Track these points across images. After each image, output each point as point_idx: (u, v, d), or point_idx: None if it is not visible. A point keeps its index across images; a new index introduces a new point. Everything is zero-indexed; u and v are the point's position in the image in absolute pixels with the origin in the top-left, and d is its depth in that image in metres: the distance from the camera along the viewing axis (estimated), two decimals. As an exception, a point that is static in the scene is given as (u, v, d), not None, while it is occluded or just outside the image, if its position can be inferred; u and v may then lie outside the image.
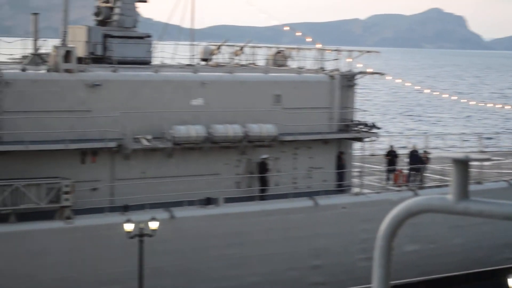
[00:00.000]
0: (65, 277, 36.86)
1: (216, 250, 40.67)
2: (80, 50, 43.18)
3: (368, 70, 48.26)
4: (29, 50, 43.25)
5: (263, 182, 43.19)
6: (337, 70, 47.38)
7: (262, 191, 43.07)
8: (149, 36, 46.71)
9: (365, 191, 46.08)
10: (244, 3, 59.24)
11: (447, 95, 74.80)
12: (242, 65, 49.80)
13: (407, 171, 48.62)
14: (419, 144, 55.30)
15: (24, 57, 43.75)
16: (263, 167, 43.17)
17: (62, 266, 36.79)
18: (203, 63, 50.08)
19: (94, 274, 37.44)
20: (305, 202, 43.37)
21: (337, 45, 59.45)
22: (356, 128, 46.34)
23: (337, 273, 44.16)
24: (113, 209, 38.48)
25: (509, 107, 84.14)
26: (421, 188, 47.10)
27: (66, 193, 36.64)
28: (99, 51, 44.87)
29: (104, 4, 46.76)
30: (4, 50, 46.31)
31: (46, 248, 36.45)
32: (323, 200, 43.71)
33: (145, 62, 45.55)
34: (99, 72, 40.26)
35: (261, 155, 43.05)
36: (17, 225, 35.97)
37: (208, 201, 40.88)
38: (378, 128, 47.51)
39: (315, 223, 43.36)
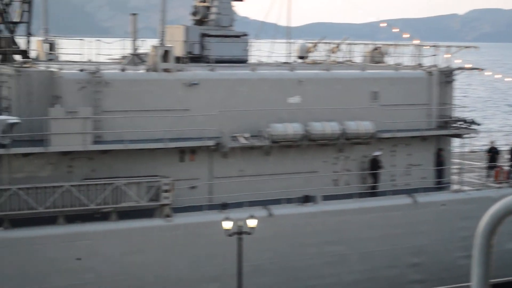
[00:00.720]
0: (165, 274, 37.32)
1: (314, 248, 40.70)
2: (178, 50, 43.67)
3: (467, 65, 47.69)
4: (128, 51, 43.88)
5: (375, 179, 43.20)
6: (435, 66, 46.95)
7: (373, 188, 43.09)
8: (245, 35, 46.94)
9: (465, 188, 45.60)
10: (341, 0, 58.97)
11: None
12: (339, 62, 49.72)
13: (508, 168, 47.93)
14: (520, 140, 54.39)
15: (123, 57, 44.43)
16: (375, 164, 43.14)
17: (162, 263, 37.26)
18: (299, 61, 50.14)
19: (193, 272, 37.81)
20: (404, 200, 43.15)
21: (435, 41, 58.86)
22: (455, 125, 45.86)
23: (437, 271, 43.81)
24: (211, 207, 38.81)
25: None
26: (523, 185, 46.38)
27: (166, 191, 37.09)
28: (196, 50, 45.30)
29: (201, 4, 47.16)
30: (104, 50, 47.05)
31: (146, 246, 36.96)
32: (422, 198, 43.42)
33: (242, 61, 45.83)
34: (197, 71, 40.62)
35: (373, 152, 43.15)
36: (118, 223, 36.55)
37: (306, 199, 40.94)
38: (478, 124, 46.92)
39: (414, 221, 43.09)
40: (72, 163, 37.42)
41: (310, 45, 51.85)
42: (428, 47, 49.72)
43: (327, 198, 41.48)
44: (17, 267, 34.61)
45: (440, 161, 45.73)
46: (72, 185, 35.68)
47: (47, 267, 35.09)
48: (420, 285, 43.07)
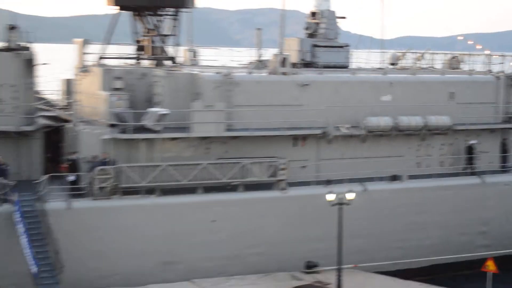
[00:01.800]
0: (280, 236, 37.52)
1: (401, 218, 40.46)
2: (293, 57, 43.88)
3: (529, 71, 46.61)
4: (254, 58, 44.27)
5: (470, 164, 42.86)
6: (502, 72, 46.10)
7: (471, 169, 42.95)
8: (347, 46, 46.82)
9: (525, 171, 44.68)
10: (424, 17, 58.22)
11: None
12: (423, 68, 49.14)
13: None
14: None
15: (250, 63, 44.85)
16: (470, 151, 42.79)
17: (277, 228, 37.53)
18: (391, 67, 49.74)
19: (302, 234, 37.98)
20: (474, 180, 42.52)
21: (503, 52, 57.59)
22: (517, 119, 44.97)
23: (500, 237, 43.04)
24: (318, 183, 38.91)
25: None
26: None
27: (282, 169, 37.37)
28: (308, 58, 45.41)
29: (313, 21, 47.26)
30: (235, 58, 47.57)
31: (266, 213, 37.28)
32: (489, 178, 42.72)
33: (344, 66, 45.74)
34: (308, 75, 40.75)
35: (469, 140, 42.93)
36: (245, 193, 36.95)
37: (394, 178, 40.74)
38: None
39: (482, 197, 42.45)
40: (209, 146, 38.01)
41: (399, 54, 51.39)
42: (497, 56, 48.85)
43: (411, 177, 41.20)
44: (166, 227, 35.36)
45: (505, 149, 44.98)
46: (208, 163, 36.23)
47: (189, 227, 35.76)
48: (485, 248, 42.35)
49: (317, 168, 40.06)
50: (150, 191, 35.33)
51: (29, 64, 37.10)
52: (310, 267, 37.55)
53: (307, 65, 44.80)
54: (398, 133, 41.44)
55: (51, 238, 31.51)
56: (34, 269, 30.25)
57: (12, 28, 36.80)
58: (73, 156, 35.08)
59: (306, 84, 39.68)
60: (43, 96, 42.38)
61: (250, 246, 36.99)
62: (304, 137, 39.93)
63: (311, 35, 47.09)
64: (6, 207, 32.22)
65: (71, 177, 34.44)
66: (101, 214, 34.06)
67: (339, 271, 34.47)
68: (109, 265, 34.35)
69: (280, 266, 37.42)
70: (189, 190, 36.00)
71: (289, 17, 45.98)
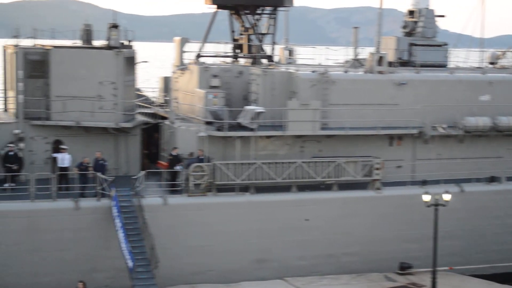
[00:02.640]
0: (372, 235, 37.11)
1: (498, 220, 39.42)
2: (390, 56, 43.26)
3: None
4: (350, 56, 43.88)
5: None
6: None
7: None
8: (446, 44, 45.93)
9: None
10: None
11: None
12: (524, 68, 47.73)
13: None
14: None
15: (346, 61, 44.48)
16: None
17: (371, 226, 37.10)
18: (490, 66, 48.51)
19: (396, 234, 37.43)
20: None
21: None
22: None
23: None
24: (413, 183, 38.28)
25: None
26: None
27: (377, 169, 36.90)
28: (405, 57, 44.75)
29: (410, 19, 46.52)
30: (331, 56, 47.26)
31: (360, 212, 36.89)
32: None
33: (442, 65, 44.88)
34: (405, 73, 40.13)
35: None
36: (339, 192, 36.65)
37: (492, 179, 39.68)
38: None
39: None
40: (303, 144, 37.86)
41: (499, 53, 50.02)
42: None
43: (510, 179, 40.08)
44: (260, 224, 35.36)
45: None
46: (303, 162, 36.06)
47: (282, 225, 35.68)
48: None
49: (413, 168, 39.41)
50: (244, 188, 35.41)
51: (129, 62, 37.71)
52: (404, 268, 36.96)
53: (404, 64, 44.15)
54: (497, 133, 40.38)
55: (147, 233, 31.92)
56: (130, 263, 30.67)
57: (113, 26, 37.46)
58: (174, 152, 35.44)
59: (403, 83, 39.08)
60: (142, 93, 43.05)
61: (343, 245, 36.68)
62: (400, 137, 39.35)
63: (408, 34, 46.39)
64: (104, 201, 32.82)
65: (178, 167, 34.78)
66: (196, 211, 34.30)
67: (434, 273, 33.83)
68: (203, 262, 34.59)
69: (373, 267, 36.98)
70: (283, 188, 35.92)
71: (386, 16, 45.39)
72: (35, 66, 37.04)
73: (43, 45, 38.31)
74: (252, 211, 35.15)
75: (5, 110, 40.09)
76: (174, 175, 35.09)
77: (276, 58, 44.93)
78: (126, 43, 38.28)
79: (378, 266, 37.02)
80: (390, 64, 41.91)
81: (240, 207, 35.02)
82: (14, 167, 34.38)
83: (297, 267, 35.95)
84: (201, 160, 34.77)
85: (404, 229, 37.48)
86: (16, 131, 36.19)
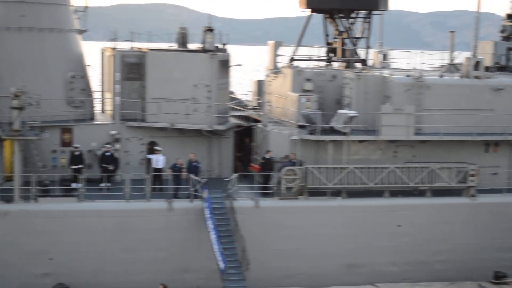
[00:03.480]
0: (461, 242, 36.38)
1: None
2: (487, 61, 42.38)
3: None
4: (446, 61, 43.16)
5: None
6: None
7: None
8: (545, 49, 44.73)
9: None
10: None
11: None
12: None
13: None
14: None
15: (441, 66, 43.76)
16: None
17: (465, 235, 36.34)
18: None
19: (487, 242, 36.56)
20: None
21: None
22: None
23: None
24: (510, 191, 37.34)
25: None
26: None
27: (472, 175, 36.15)
28: (502, 61, 43.81)
29: (509, 23, 45.53)
30: (426, 60, 46.62)
31: (454, 219, 36.18)
32: None
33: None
34: (503, 79, 39.21)
35: None
36: (432, 199, 36.05)
37: None
38: None
39: None
40: (396, 149, 37.42)
41: None
42: None
43: None
44: (351, 229, 35.09)
45: None
46: (396, 167, 35.65)
47: (374, 230, 35.30)
48: None
49: (509, 175, 38.44)
50: (336, 193, 35.24)
51: (223, 65, 38.06)
52: (499, 277, 36.05)
53: (502, 68, 43.20)
54: None
55: (239, 235, 32.09)
56: (221, 265, 30.90)
57: (208, 30, 37.86)
58: (267, 155, 35.57)
59: (500, 88, 38.17)
60: (235, 96, 43.37)
61: (436, 252, 36.07)
62: (497, 143, 38.45)
63: (506, 38, 45.38)
64: (197, 203, 33.16)
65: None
66: (287, 214, 34.31)
67: (530, 283, 32.93)
68: (294, 265, 34.56)
69: (466, 275, 36.22)
70: (376, 193, 35.58)
71: (483, 20, 44.48)
72: (131, 69, 37.77)
73: (140, 48, 39.05)
74: (344, 216, 34.93)
75: (103, 111, 41.03)
76: (266, 178, 35.20)
77: (370, 62, 44.58)
78: (220, 46, 38.64)
79: (472, 274, 36.23)
80: (487, 69, 41.04)
81: (332, 211, 34.85)
82: (110, 167, 35.13)
83: (388, 273, 35.54)
84: (293, 164, 34.77)
85: (499, 238, 36.60)
86: (113, 132, 36.97)
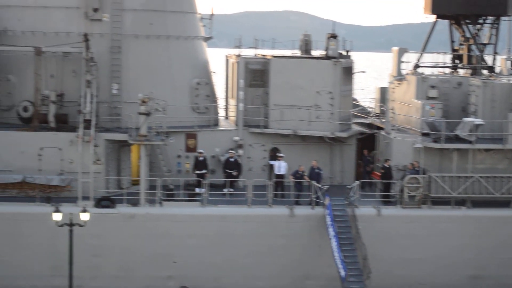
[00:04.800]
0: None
1: None
2: None
3: None
4: None
5: None
6: None
7: None
8: None
9: None
10: None
11: None
12: None
13: None
14: None
15: None
16: None
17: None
18: None
19: None
20: None
21: None
22: None
23: None
24: None
25: None
26: None
27: None
28: None
29: None
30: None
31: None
32: None
33: None
34: None
35: None
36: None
37: None
38: None
39: None
40: (522, 159, 36.25)
41: None
42: None
43: None
44: (476, 239, 34.13)
45: None
46: (524, 177, 34.50)
47: (499, 241, 34.23)
48: None
49: None
50: (460, 202, 34.41)
51: (346, 72, 37.87)
52: None
53: None
54: None
55: (360, 243, 31.78)
56: (342, 272, 30.69)
57: (332, 37, 37.76)
58: (387, 164, 35.19)
59: None
60: (358, 103, 43.08)
61: None
62: None
63: None
64: (318, 210, 33.07)
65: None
66: (410, 223, 33.75)
67: None
68: (415, 275, 33.93)
69: None
70: (502, 203, 34.53)
71: None
72: (255, 76, 38.11)
73: (264, 55, 39.35)
74: (469, 226, 34.05)
75: (226, 117, 41.57)
76: (387, 187, 34.76)
77: (497, 69, 43.36)
78: (344, 53, 38.48)
79: None
80: None
81: (456, 221, 34.05)
82: (234, 173, 35.51)
83: (514, 287, 34.44)
84: (416, 172, 34.21)
85: None
86: (236, 138, 37.37)
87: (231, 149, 36.59)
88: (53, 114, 35.25)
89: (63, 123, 35.44)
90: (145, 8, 37.37)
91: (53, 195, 33.18)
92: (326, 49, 37.95)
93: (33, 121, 35.38)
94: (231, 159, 35.77)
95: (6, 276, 32.28)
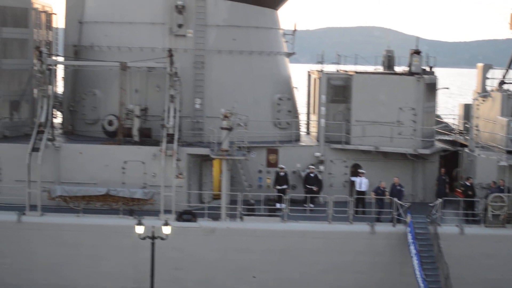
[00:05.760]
0: None
1: None
2: None
3: None
4: None
5: None
6: None
7: None
8: None
9: None
10: None
11: None
12: None
13: None
14: None
15: None
16: None
17: None
18: None
19: None
20: None
21: None
22: None
23: None
24: None
25: None
26: None
27: None
28: None
29: None
30: None
31: None
32: None
33: None
34: None
35: None
36: None
37: None
38: None
39: None
40: None
41: None
42: None
43: None
44: None
45: None
46: None
47: None
48: None
49: None
50: (547, 222, 33.48)
51: (430, 88, 37.36)
52: None
53: None
54: None
55: (442, 262, 31.19)
56: (423, 291, 30.21)
57: (415, 53, 37.34)
58: (468, 182, 34.53)
59: None
60: (441, 120, 42.44)
61: None
62: None
63: None
64: (399, 227, 32.63)
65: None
66: (494, 242, 32.96)
67: None
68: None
69: None
70: None
71: None
72: (337, 91, 37.97)
73: (346, 71, 39.16)
74: None
75: (308, 133, 41.48)
76: (469, 205, 34.06)
77: None
78: (427, 69, 38.00)
79: None
80: None
81: (542, 241, 33.12)
82: (314, 188, 35.37)
83: None
84: (501, 191, 33.43)
85: None
86: (317, 154, 37.23)
87: (312, 165, 36.45)
88: (137, 128, 35.81)
89: (147, 137, 35.96)
90: (228, 24, 37.68)
91: (136, 208, 33.65)
92: (409, 65, 37.54)
93: (118, 135, 36.00)
94: (311, 175, 35.65)
95: (90, 287, 32.84)
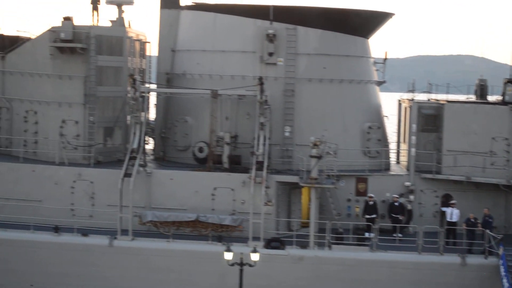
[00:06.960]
0: None
1: None
2: None
3: None
4: None
5: None
6: None
7: None
8: None
9: None
10: None
11: None
12: None
13: None
14: None
15: None
16: None
17: None
18: None
19: None
20: None
21: None
22: None
23: None
24: None
25: None
26: None
27: None
28: None
29: None
30: None
31: None
32: None
33: None
34: None
35: None
36: None
37: None
38: None
39: None
40: None
41: None
42: None
43: None
44: None
45: None
46: None
47: None
48: None
49: None
50: None
51: (524, 118, 36.58)
52: None
53: None
54: None
55: (537, 296, 30.31)
56: (517, 326, 29.39)
57: (509, 82, 36.68)
58: None
59: None
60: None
61: None
62: None
63: None
64: (491, 259, 31.89)
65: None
66: None
67: None
68: None
69: None
70: None
71: None
72: (428, 120, 37.50)
73: (437, 100, 38.69)
74: None
75: (398, 162, 41.07)
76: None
77: None
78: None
79: None
80: None
81: None
82: (400, 217, 34.97)
83: None
84: None
85: None
86: (407, 183, 36.79)
87: (399, 194, 36.05)
88: (227, 155, 36.15)
89: (236, 164, 36.24)
90: (319, 53, 37.78)
91: (224, 234, 33.88)
92: (503, 94, 36.86)
93: (208, 162, 36.40)
94: (396, 204, 35.28)
95: (178, 311, 33.20)
